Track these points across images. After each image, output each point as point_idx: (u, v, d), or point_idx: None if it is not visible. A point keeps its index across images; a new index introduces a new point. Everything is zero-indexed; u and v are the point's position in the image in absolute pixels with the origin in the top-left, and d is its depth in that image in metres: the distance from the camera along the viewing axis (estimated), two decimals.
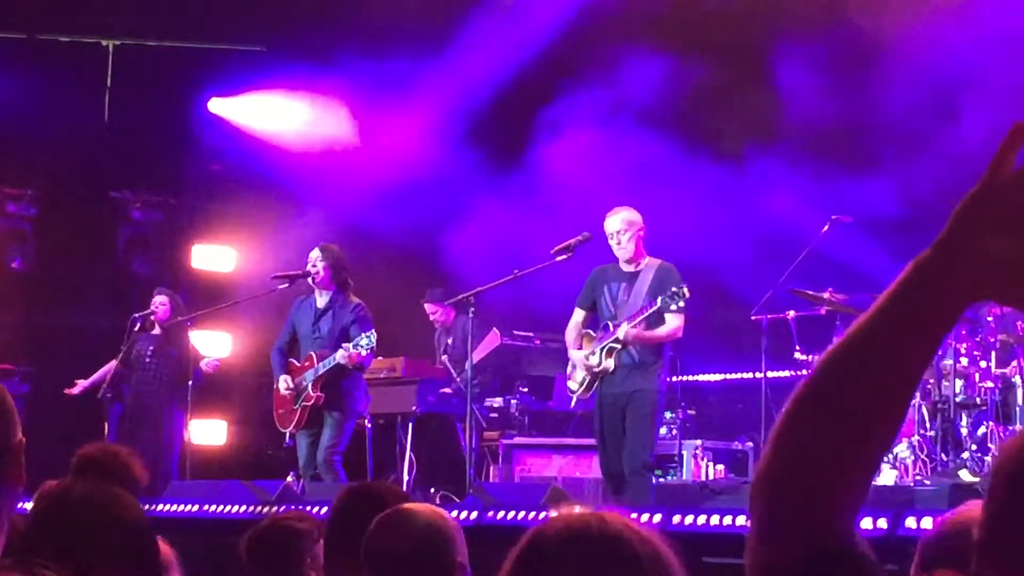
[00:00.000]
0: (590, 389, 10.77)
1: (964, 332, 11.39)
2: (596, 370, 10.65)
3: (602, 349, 10.62)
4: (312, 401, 11.97)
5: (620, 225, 10.64)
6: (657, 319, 10.51)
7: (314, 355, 12.04)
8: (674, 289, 10.28)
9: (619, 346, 10.56)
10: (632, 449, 10.54)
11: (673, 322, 10.46)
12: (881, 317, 1.74)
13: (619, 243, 10.64)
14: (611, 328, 10.62)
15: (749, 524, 1.86)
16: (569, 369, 11.02)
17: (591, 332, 10.87)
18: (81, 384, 14.36)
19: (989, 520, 1.74)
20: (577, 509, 2.11)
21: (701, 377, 14.95)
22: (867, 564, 1.80)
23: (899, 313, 1.73)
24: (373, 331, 11.83)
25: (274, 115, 16.90)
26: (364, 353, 11.79)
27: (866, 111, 13.75)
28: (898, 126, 13.36)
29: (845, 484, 1.80)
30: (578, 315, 10.94)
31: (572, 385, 10.96)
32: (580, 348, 10.86)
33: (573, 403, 11.29)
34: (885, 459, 11.30)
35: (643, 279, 10.62)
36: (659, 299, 10.30)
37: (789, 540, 1.79)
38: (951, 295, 1.71)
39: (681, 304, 10.31)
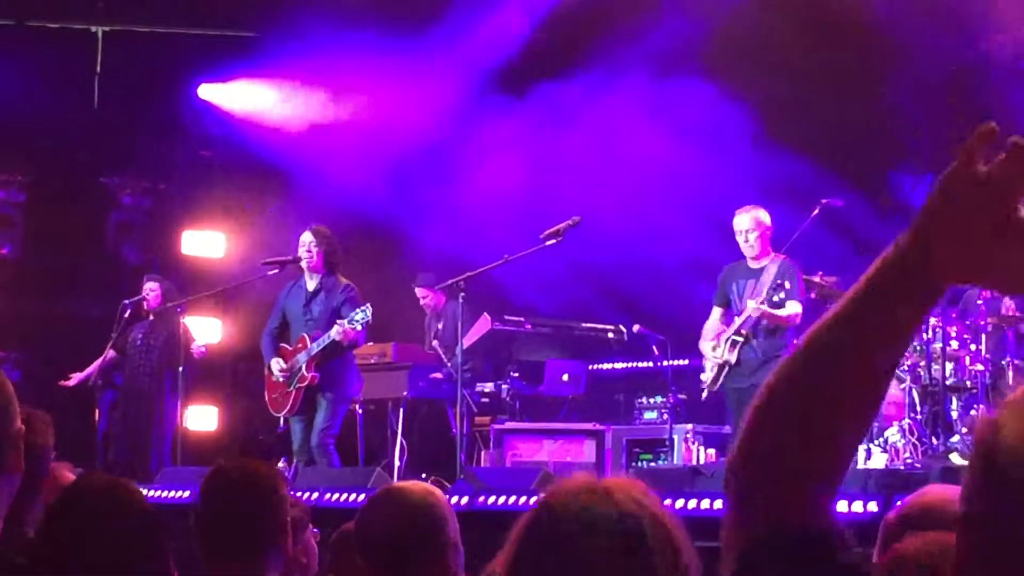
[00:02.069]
0: (717, 382, 11.09)
1: (954, 315, 11.41)
2: (719, 361, 10.98)
3: (726, 340, 10.96)
4: (307, 382, 11.95)
5: (749, 224, 10.98)
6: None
7: (307, 337, 12.03)
8: (779, 282, 10.66)
9: (741, 339, 10.89)
10: None
11: (793, 307, 10.66)
12: (860, 301, 1.75)
13: (746, 240, 10.99)
14: (736, 321, 10.94)
15: (724, 504, 1.86)
16: (704, 362, 11.34)
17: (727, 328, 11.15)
18: (76, 377, 14.34)
19: (968, 507, 1.74)
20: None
21: (692, 361, 14.94)
22: (843, 544, 1.80)
23: (878, 297, 1.74)
24: (368, 305, 11.80)
25: (263, 101, 16.87)
26: (359, 328, 11.77)
27: None
28: None
29: (821, 465, 1.81)
30: (715, 313, 11.31)
31: (704, 377, 11.29)
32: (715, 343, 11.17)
33: (704, 395, 11.55)
34: (876, 442, 11.32)
35: (767, 275, 10.91)
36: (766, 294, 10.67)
37: (764, 519, 1.79)
38: (928, 278, 1.71)
39: (788, 291, 10.69)
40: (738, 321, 10.90)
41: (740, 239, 11.00)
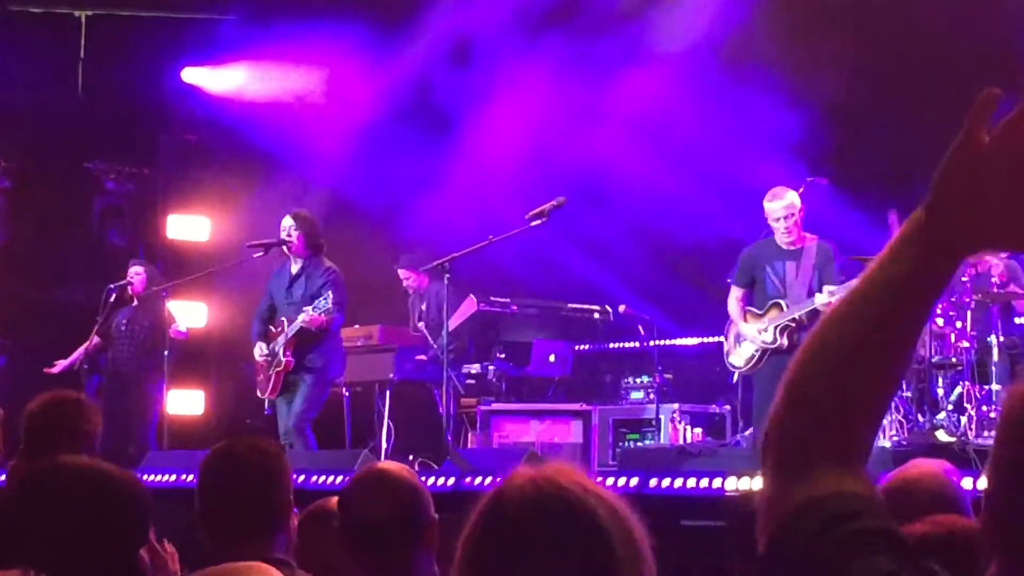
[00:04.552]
0: (757, 365, 10.91)
1: None
2: (770, 346, 10.77)
3: (776, 327, 10.75)
4: (283, 367, 11.97)
5: (784, 211, 10.72)
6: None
7: (285, 320, 12.04)
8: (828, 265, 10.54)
9: (794, 324, 10.68)
10: None
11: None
12: (877, 282, 1.76)
13: (785, 228, 10.72)
14: (785, 307, 10.73)
15: (761, 477, 1.86)
16: (730, 343, 11.17)
17: (754, 310, 10.99)
18: (60, 364, 14.30)
19: (994, 483, 1.76)
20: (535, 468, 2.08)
21: (678, 341, 14.95)
22: (881, 513, 1.81)
23: (897, 276, 1.75)
24: (331, 293, 11.75)
25: (248, 84, 16.83)
26: (322, 315, 11.74)
27: None
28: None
29: (853, 432, 1.83)
30: (736, 292, 11.10)
31: (736, 360, 11.12)
32: (746, 322, 10.99)
33: (736, 378, 11.52)
34: None
35: (807, 256, 10.71)
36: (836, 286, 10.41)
37: (802, 489, 1.79)
38: (946, 252, 1.73)
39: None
40: (793, 308, 10.67)
41: (776, 225, 10.74)
